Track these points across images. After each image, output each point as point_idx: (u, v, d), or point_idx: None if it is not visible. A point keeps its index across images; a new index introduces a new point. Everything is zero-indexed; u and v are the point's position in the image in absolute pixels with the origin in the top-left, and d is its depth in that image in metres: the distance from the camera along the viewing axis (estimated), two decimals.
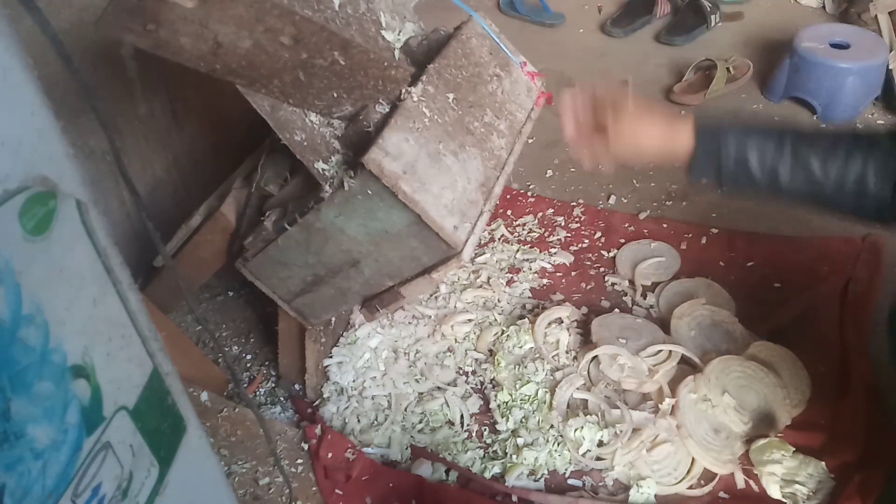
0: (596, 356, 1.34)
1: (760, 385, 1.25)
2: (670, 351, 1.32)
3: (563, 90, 1.01)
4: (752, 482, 1.18)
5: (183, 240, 1.34)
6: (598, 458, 1.22)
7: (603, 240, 1.66)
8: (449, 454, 1.25)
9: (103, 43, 1.27)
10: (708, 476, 1.19)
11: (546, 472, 1.22)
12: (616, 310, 1.47)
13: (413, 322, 1.46)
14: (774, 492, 1.14)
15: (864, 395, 1.23)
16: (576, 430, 1.24)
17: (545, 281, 1.57)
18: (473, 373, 1.39)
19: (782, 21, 2.38)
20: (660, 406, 1.25)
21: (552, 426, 1.26)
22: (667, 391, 1.27)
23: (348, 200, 1.04)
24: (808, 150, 0.91)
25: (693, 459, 1.20)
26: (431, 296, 1.52)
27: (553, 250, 1.64)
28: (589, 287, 1.55)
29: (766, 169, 0.93)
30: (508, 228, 1.71)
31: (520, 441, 1.24)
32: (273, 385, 1.45)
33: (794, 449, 1.15)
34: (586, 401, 1.30)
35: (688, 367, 1.34)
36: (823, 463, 1.13)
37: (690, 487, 1.19)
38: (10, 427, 0.45)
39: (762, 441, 1.18)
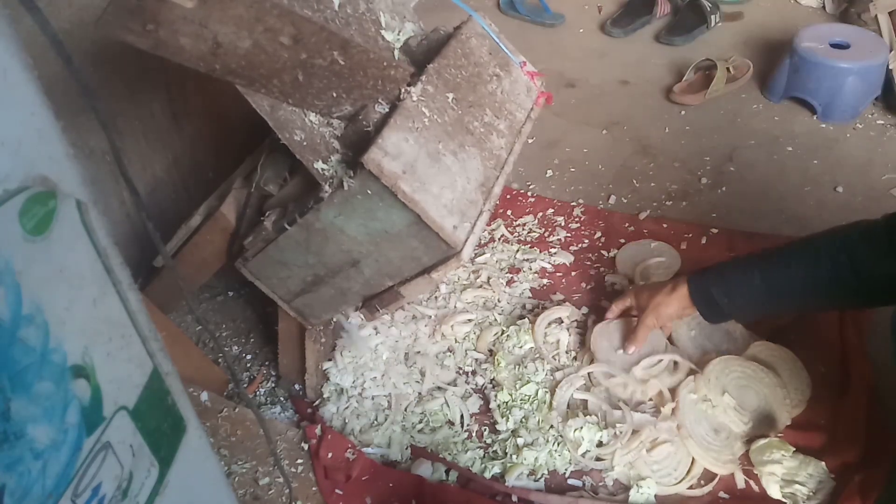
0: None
1: (760, 385, 1.25)
2: (675, 362, 1.31)
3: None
4: (752, 482, 1.18)
5: (183, 240, 1.34)
6: (598, 459, 1.22)
7: (603, 240, 1.66)
8: (449, 454, 1.25)
9: (103, 43, 1.27)
10: (708, 476, 1.19)
11: (546, 472, 1.22)
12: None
13: (413, 322, 1.46)
14: (774, 492, 1.14)
15: (864, 395, 1.23)
16: (575, 430, 1.24)
17: (545, 281, 1.57)
18: (473, 373, 1.39)
19: (782, 21, 2.38)
20: (661, 409, 1.24)
21: (552, 426, 1.26)
22: (667, 395, 1.26)
23: (348, 200, 1.04)
24: (775, 272, 1.11)
25: (693, 460, 1.20)
26: (431, 296, 1.52)
27: (553, 250, 1.64)
28: (589, 287, 1.55)
29: (751, 307, 1.16)
30: (508, 228, 1.71)
31: (520, 441, 1.24)
32: (273, 385, 1.45)
33: (794, 449, 1.15)
34: (586, 401, 1.30)
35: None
36: (824, 463, 1.13)
37: (690, 487, 1.19)
38: (10, 427, 0.45)
39: (762, 441, 1.18)
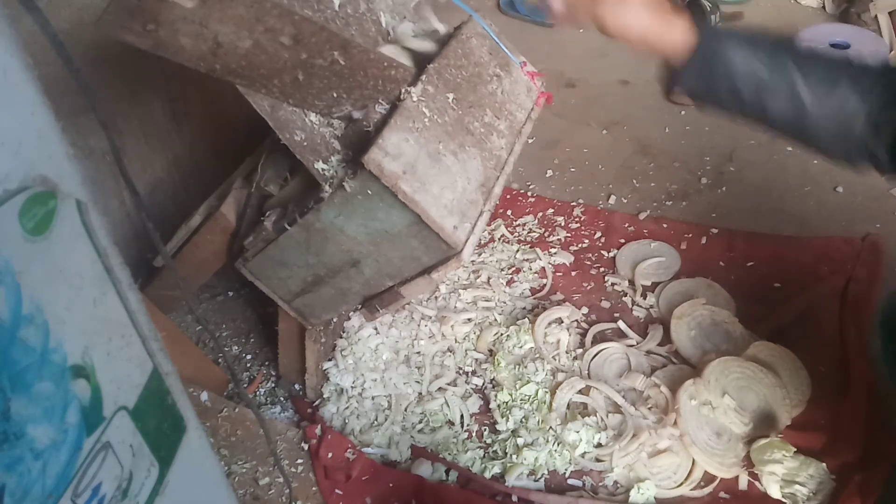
0: (597, 353, 1.34)
1: (760, 385, 1.25)
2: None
3: None
4: (755, 483, 1.18)
5: (183, 240, 1.34)
6: (598, 460, 1.23)
7: (603, 240, 1.66)
8: (449, 454, 1.25)
9: (103, 43, 1.27)
10: (709, 477, 1.19)
11: (546, 472, 1.22)
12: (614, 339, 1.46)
13: (413, 322, 1.46)
14: (774, 491, 1.14)
15: (864, 394, 1.23)
16: (574, 432, 1.24)
17: (545, 281, 1.57)
18: (473, 373, 1.39)
19: (782, 21, 2.38)
20: (664, 416, 1.24)
21: (551, 428, 1.26)
22: (671, 403, 1.26)
23: (348, 200, 1.04)
24: (804, 79, 0.86)
25: (693, 463, 1.20)
26: (431, 296, 1.52)
27: (553, 250, 1.64)
28: (589, 287, 1.55)
29: (755, 92, 0.88)
30: (508, 228, 1.71)
31: (520, 441, 1.24)
32: (273, 385, 1.45)
33: (794, 449, 1.15)
34: (586, 403, 1.30)
35: (687, 368, 1.34)
36: (824, 464, 1.13)
37: (691, 489, 1.18)
38: (10, 427, 0.45)
39: (763, 441, 1.18)
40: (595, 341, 1.42)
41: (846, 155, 0.89)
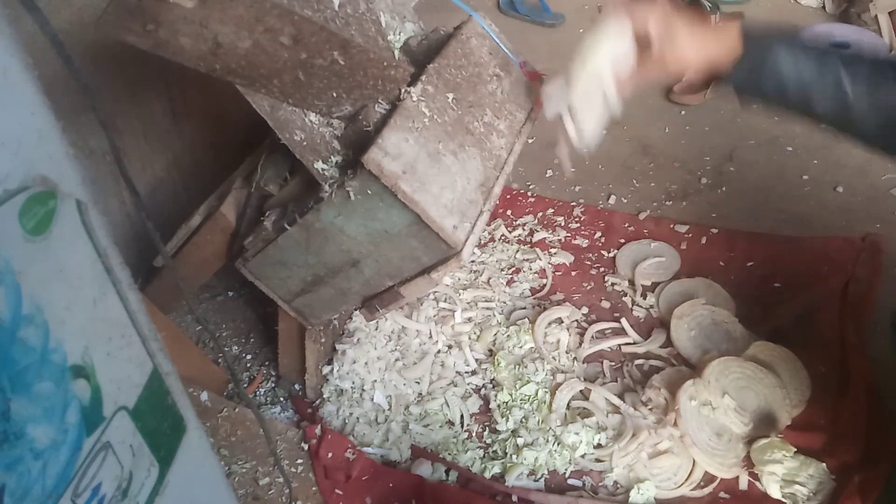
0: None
1: (760, 385, 1.25)
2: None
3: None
4: (756, 483, 1.18)
5: (183, 240, 1.34)
6: (598, 460, 1.22)
7: (603, 240, 1.66)
8: (449, 454, 1.25)
9: (103, 43, 1.27)
10: (709, 477, 1.19)
11: (546, 472, 1.22)
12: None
13: (413, 322, 1.46)
14: (774, 491, 1.14)
15: (864, 395, 1.23)
16: (574, 434, 1.24)
17: (545, 281, 1.57)
18: (473, 373, 1.39)
19: (782, 21, 2.38)
20: (664, 417, 1.24)
21: (550, 428, 1.26)
22: (671, 404, 1.26)
23: (348, 200, 1.04)
24: (850, 77, 0.89)
25: (694, 463, 1.20)
26: (432, 295, 1.52)
27: (553, 250, 1.64)
28: (589, 287, 1.55)
29: (801, 90, 0.92)
30: (508, 228, 1.71)
31: (520, 441, 1.24)
32: (273, 385, 1.45)
33: (795, 450, 1.15)
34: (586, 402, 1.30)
35: (687, 368, 1.34)
36: (824, 464, 1.13)
37: (691, 489, 1.18)
38: (10, 427, 0.45)
39: (763, 441, 1.18)
40: (594, 340, 1.42)
41: (892, 146, 0.93)
